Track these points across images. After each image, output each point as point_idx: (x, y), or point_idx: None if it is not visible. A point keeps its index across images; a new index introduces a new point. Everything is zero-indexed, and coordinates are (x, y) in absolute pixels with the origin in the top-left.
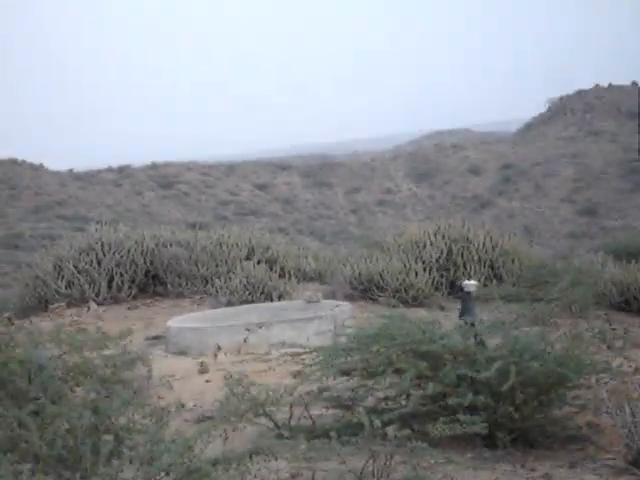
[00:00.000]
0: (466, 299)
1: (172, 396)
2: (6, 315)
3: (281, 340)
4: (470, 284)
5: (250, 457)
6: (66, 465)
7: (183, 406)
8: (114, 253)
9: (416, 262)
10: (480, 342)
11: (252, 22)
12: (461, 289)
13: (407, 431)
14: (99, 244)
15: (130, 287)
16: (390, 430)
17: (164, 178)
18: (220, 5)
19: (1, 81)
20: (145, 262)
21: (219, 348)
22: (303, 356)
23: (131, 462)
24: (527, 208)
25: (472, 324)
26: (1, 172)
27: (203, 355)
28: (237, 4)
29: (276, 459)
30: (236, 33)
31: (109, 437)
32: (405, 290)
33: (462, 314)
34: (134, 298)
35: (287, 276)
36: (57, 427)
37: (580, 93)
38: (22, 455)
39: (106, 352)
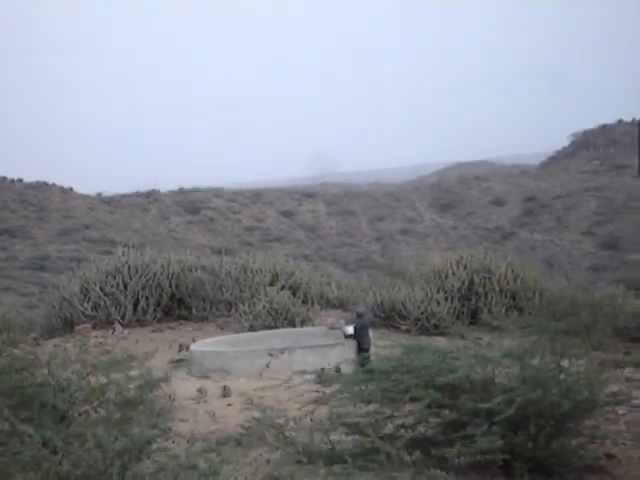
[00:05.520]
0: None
1: (194, 418)
2: (32, 335)
3: (303, 365)
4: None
5: None
6: None
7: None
8: (140, 276)
9: (438, 291)
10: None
11: (280, 51)
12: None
13: (418, 453)
14: (125, 267)
15: (155, 310)
16: (406, 456)
17: (191, 204)
18: (254, 33)
19: (34, 105)
20: (170, 286)
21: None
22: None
23: None
24: (549, 240)
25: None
26: (31, 194)
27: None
28: (269, 32)
29: None
30: (265, 59)
31: (139, 460)
32: (427, 319)
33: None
34: (159, 321)
35: (310, 302)
36: (85, 447)
37: (604, 127)
38: (45, 474)
39: (130, 373)
